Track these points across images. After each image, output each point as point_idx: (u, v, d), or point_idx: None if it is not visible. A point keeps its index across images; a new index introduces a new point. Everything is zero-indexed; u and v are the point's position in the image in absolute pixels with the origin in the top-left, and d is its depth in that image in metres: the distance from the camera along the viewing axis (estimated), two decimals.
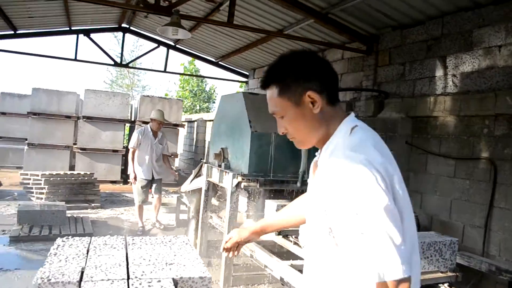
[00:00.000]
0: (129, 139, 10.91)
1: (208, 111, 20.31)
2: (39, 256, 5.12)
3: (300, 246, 3.50)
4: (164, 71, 9.61)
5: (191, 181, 5.28)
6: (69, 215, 6.48)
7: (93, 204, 7.81)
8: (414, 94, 5.29)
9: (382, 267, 1.07)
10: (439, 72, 4.97)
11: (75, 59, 9.04)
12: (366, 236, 1.09)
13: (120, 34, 9.08)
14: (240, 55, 9.15)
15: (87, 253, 2.51)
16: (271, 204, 3.99)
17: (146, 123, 10.95)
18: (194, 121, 13.45)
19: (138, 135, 6.37)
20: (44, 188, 7.55)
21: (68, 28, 9.03)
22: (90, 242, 2.73)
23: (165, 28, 5.37)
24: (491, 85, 4.31)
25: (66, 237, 2.78)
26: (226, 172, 4.36)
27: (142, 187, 6.34)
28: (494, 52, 4.31)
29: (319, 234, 1.28)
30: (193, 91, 21.54)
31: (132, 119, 11.12)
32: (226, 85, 62.25)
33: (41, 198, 7.53)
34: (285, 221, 1.84)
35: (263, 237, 4.10)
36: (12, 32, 8.52)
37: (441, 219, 4.71)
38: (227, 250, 1.95)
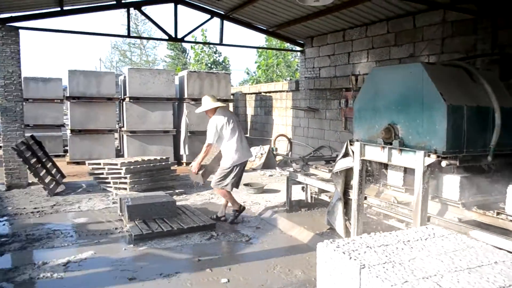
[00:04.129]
0: (178, 119, 10.28)
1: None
2: (182, 255, 4.75)
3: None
4: (220, 43, 8.97)
5: (336, 161, 4.95)
6: None
7: (177, 191, 7.37)
8: None
9: None
10: None
11: (129, 36, 8.28)
12: None
13: (171, 5, 8.31)
14: (301, 23, 8.63)
15: (392, 255, 2.18)
16: (453, 179, 3.85)
17: (196, 100, 10.38)
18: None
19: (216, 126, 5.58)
20: (126, 177, 7.01)
21: (115, 2, 8.17)
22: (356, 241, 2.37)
23: None
24: None
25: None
26: (400, 150, 4.08)
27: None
28: None
29: None
30: (208, 65, 20.67)
31: (178, 97, 10.50)
32: (238, 56, 60.32)
33: (124, 189, 7.02)
34: None
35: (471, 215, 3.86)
36: (59, 8, 7.67)
37: None
38: None
